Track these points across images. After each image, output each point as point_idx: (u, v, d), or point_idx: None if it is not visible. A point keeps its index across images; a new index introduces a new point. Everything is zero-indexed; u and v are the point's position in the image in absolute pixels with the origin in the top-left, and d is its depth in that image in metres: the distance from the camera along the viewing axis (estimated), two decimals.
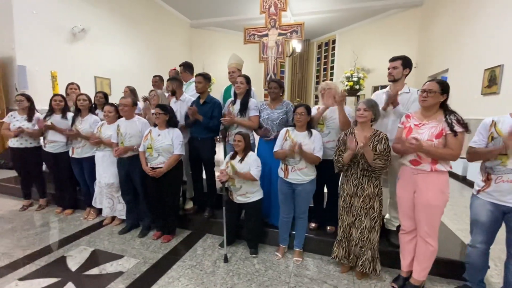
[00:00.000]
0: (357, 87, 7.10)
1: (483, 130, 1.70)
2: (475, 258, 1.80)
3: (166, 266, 2.22)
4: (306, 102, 10.41)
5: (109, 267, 2.19)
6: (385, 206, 2.17)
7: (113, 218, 2.98)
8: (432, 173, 1.76)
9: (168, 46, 9.17)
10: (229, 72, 3.11)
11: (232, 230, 2.48)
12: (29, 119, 3.12)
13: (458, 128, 1.66)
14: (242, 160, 2.25)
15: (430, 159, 1.74)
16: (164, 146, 2.41)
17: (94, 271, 2.14)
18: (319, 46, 11.37)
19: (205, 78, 2.72)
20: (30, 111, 3.15)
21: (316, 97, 11.54)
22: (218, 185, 2.85)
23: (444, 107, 1.78)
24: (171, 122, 2.52)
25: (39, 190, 3.37)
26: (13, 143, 3.13)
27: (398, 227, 2.39)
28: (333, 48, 10.53)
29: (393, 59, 2.21)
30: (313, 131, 2.16)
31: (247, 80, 2.68)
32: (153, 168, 2.43)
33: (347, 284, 2.03)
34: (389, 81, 2.21)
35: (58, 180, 3.21)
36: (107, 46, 6.91)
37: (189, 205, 3.05)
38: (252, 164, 2.22)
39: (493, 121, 1.67)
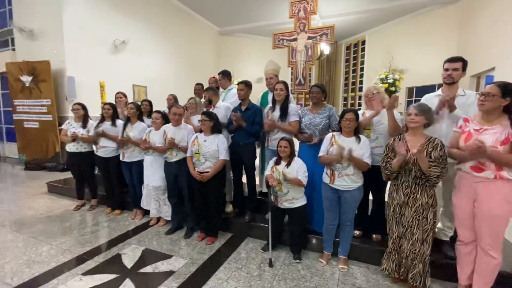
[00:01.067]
0: (392, 89, 6.85)
1: None
2: None
3: (213, 267, 2.30)
4: (334, 105, 10.19)
5: (160, 266, 2.31)
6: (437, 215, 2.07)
7: (159, 219, 3.15)
8: (496, 181, 1.65)
9: (198, 54, 9.53)
10: (266, 79, 3.16)
11: (276, 235, 2.50)
12: (84, 125, 3.41)
13: None
14: (288, 165, 2.27)
15: (494, 166, 1.64)
16: (211, 151, 2.51)
17: (147, 269, 2.28)
18: (348, 48, 11.13)
19: (247, 85, 2.80)
20: (84, 118, 3.44)
21: (345, 99, 11.28)
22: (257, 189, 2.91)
23: (509, 111, 1.68)
24: (216, 128, 2.62)
25: (91, 191, 3.65)
26: (69, 147, 3.43)
27: (451, 237, 2.28)
28: (363, 49, 10.26)
29: (453, 60, 2.08)
30: (362, 136, 2.13)
31: (286, 86, 2.71)
32: (200, 173, 2.53)
33: None
34: (446, 83, 2.10)
35: (108, 182, 3.45)
36: (143, 56, 7.34)
37: (229, 208, 3.14)
38: (299, 169, 2.24)
39: None
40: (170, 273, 2.21)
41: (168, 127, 2.84)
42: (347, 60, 11.20)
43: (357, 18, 8.93)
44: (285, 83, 2.70)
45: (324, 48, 9.93)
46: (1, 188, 4.68)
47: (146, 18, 7.38)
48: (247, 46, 10.72)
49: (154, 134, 2.93)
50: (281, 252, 2.54)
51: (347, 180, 2.12)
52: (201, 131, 2.66)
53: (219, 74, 3.61)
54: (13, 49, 6.52)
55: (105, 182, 3.46)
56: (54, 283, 2.07)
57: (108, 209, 3.51)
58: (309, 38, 7.86)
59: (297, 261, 2.37)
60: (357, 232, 2.51)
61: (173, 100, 3.78)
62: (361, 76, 10.32)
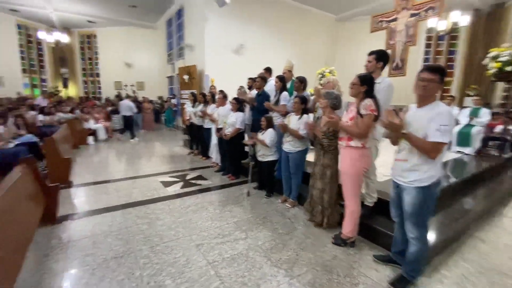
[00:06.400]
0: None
1: None
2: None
3: (221, 187, 3.98)
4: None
5: (203, 182, 4.25)
6: None
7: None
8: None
9: (313, 45, 10.54)
10: (284, 73, 4.23)
11: (253, 176, 3.81)
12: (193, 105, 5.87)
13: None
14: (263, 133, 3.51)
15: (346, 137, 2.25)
16: (230, 122, 4.10)
17: (199, 182, 4.27)
18: None
19: (262, 79, 4.09)
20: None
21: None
22: None
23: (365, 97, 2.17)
24: (239, 108, 4.16)
25: (200, 147, 6.19)
26: (193, 120, 5.92)
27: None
28: None
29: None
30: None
31: (281, 79, 3.78)
32: (225, 135, 4.22)
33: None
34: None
35: (197, 138, 5.81)
36: (259, 55, 9.18)
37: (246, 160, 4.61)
38: (267, 136, 3.43)
39: None
40: (203, 186, 4.10)
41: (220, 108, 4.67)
42: None
43: None
44: (280, 77, 3.78)
45: (460, 19, 7.75)
46: (169, 138, 8.40)
47: (262, 21, 9.29)
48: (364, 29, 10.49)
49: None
50: (263, 192, 3.80)
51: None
52: None
53: (264, 69, 4.96)
54: (183, 59, 10.53)
55: (201, 141, 5.85)
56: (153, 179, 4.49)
57: (203, 158, 5.87)
58: (412, 15, 7.27)
59: (266, 197, 3.58)
60: None
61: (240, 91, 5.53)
62: None
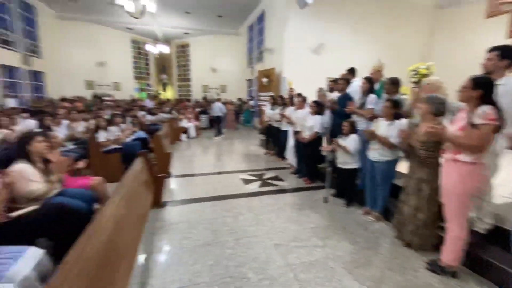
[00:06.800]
0: None
1: None
2: None
3: (295, 190, 4.00)
4: None
5: (279, 183, 4.38)
6: None
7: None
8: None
9: (405, 39, 9.44)
10: (371, 73, 3.91)
11: (331, 182, 3.66)
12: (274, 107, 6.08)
13: None
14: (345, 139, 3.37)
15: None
16: (308, 125, 4.06)
17: (274, 182, 4.43)
18: None
19: (347, 81, 3.91)
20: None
21: None
22: None
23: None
24: (319, 111, 4.08)
25: (273, 145, 6.40)
26: (271, 122, 6.16)
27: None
28: None
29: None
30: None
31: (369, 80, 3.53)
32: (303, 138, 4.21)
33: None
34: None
35: (274, 139, 5.97)
36: (340, 54, 8.73)
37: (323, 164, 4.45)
38: (349, 141, 3.28)
39: None
40: (279, 187, 4.22)
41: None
42: None
43: None
44: (368, 78, 3.52)
45: None
46: (247, 137, 8.94)
47: (344, 18, 8.84)
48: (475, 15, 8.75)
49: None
50: (341, 200, 3.62)
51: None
52: None
53: (346, 70, 4.70)
54: (262, 62, 10.98)
55: (278, 142, 6.01)
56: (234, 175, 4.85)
57: (279, 158, 6.00)
58: None
59: (345, 205, 3.41)
60: None
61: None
62: None
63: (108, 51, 14.07)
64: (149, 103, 10.62)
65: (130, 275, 1.73)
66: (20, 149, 2.17)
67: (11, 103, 8.59)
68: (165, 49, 14.05)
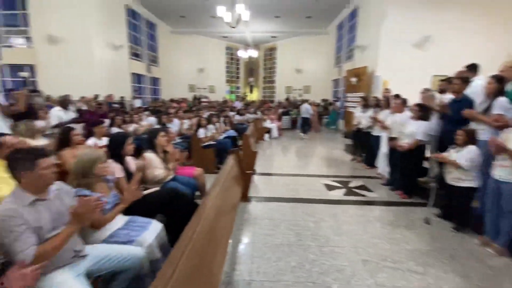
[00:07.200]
0: None
1: None
2: None
3: (387, 204, 3.59)
4: None
5: (367, 194, 4.04)
6: None
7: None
8: None
9: None
10: (501, 71, 3.10)
11: (437, 200, 3.08)
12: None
13: None
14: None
15: None
16: (409, 131, 3.56)
17: (364, 193, 4.11)
18: None
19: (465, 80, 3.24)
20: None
21: None
22: None
23: None
24: (424, 116, 3.54)
25: (355, 150, 5.93)
26: (361, 125, 5.69)
27: None
28: None
29: None
30: None
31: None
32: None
33: None
34: None
35: (363, 145, 5.48)
36: (452, 47, 7.44)
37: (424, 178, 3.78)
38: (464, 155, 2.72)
39: None
40: (367, 198, 3.89)
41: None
42: None
43: None
44: (497, 77, 2.80)
45: None
46: (330, 140, 8.60)
47: (459, 3, 7.43)
48: None
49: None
50: (448, 223, 3.02)
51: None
52: None
53: (465, 67, 3.88)
54: (352, 61, 10.30)
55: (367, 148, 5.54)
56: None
57: (366, 166, 5.48)
58: None
59: (454, 230, 2.84)
60: None
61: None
62: None
63: (207, 58, 16.06)
64: (238, 104, 11.57)
65: (225, 258, 1.94)
66: (149, 141, 2.74)
67: (137, 103, 10.90)
68: (254, 53, 15.01)
